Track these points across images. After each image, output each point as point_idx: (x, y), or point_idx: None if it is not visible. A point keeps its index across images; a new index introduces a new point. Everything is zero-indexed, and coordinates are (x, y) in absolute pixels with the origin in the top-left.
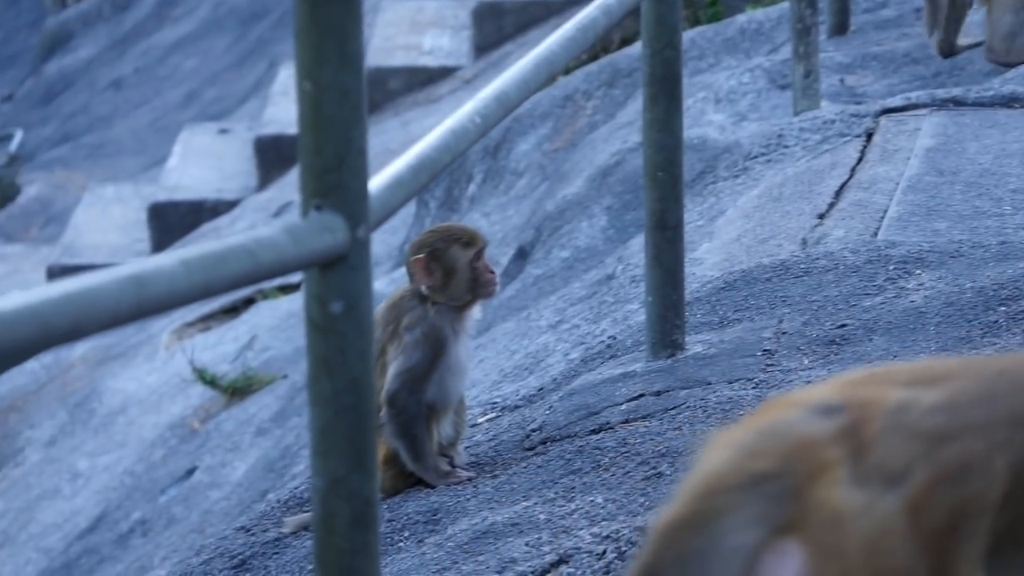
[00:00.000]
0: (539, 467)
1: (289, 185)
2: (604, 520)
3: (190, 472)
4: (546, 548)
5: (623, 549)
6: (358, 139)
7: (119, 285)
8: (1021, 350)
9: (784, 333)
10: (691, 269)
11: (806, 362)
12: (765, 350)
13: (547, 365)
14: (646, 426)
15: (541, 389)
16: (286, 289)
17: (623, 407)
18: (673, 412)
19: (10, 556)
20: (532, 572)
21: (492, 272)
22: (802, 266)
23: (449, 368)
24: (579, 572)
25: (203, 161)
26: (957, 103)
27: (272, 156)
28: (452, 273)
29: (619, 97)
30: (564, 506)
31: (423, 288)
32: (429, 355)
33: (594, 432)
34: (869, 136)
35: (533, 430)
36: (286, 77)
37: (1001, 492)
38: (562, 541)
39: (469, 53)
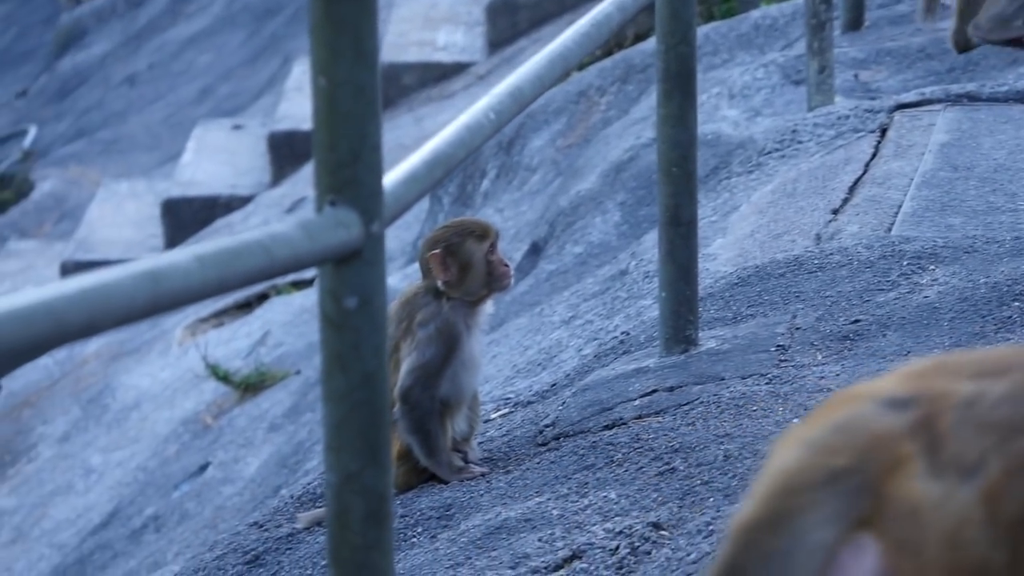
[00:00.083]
0: (552, 463)
1: (302, 181)
2: (617, 516)
3: (203, 468)
4: (559, 544)
5: (636, 544)
6: (373, 135)
7: (133, 281)
8: None
9: (798, 329)
10: (704, 265)
11: (819, 358)
12: (779, 346)
13: (560, 361)
14: (659, 422)
15: (554, 385)
16: (299, 285)
17: (636, 403)
18: (686, 408)
19: (24, 552)
20: (545, 567)
21: (506, 265)
22: (816, 262)
23: (463, 364)
24: (592, 567)
25: (217, 157)
26: (971, 98)
27: (286, 152)
28: (468, 267)
29: (633, 93)
30: (577, 502)
31: (440, 283)
32: (443, 351)
33: (607, 428)
34: (883, 131)
35: (546, 426)
36: (300, 73)
37: None
38: (575, 536)
39: (483, 49)
